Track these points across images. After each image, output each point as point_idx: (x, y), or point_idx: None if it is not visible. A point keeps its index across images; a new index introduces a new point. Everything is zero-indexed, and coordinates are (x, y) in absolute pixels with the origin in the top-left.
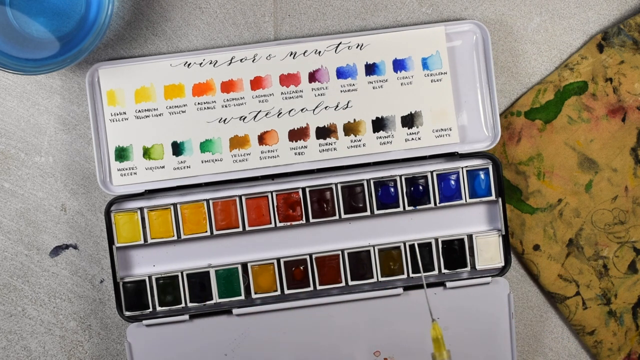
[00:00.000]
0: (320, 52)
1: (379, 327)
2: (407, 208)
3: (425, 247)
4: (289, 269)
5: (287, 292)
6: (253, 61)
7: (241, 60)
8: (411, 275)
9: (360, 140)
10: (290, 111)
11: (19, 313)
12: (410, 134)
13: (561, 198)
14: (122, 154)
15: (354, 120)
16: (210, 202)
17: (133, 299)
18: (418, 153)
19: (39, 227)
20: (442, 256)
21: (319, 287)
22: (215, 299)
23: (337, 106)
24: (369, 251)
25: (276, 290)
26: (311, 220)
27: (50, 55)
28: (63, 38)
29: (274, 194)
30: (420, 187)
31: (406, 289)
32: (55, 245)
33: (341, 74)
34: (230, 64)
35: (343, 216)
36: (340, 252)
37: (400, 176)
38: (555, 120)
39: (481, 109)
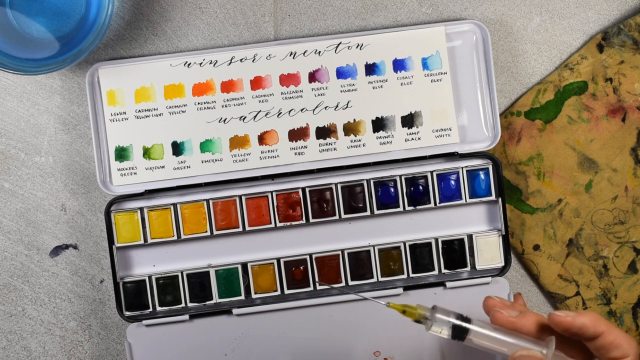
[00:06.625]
0: (320, 52)
1: (379, 327)
2: (407, 208)
3: (425, 247)
4: (289, 269)
5: (287, 292)
6: (253, 61)
7: (241, 60)
8: (411, 275)
9: (360, 140)
10: (290, 111)
11: (19, 313)
12: (410, 134)
13: (561, 198)
14: (122, 154)
15: (354, 120)
16: (210, 202)
17: (133, 299)
18: (418, 153)
19: (39, 227)
20: (442, 256)
21: (319, 287)
22: (215, 299)
23: (337, 106)
24: (369, 251)
25: (276, 290)
26: (311, 220)
27: (50, 55)
28: (63, 38)
29: (274, 194)
30: (420, 187)
31: (406, 289)
32: (55, 245)
33: (341, 74)
34: (230, 64)
35: (343, 216)
36: (340, 252)
37: (400, 176)
38: (555, 120)
39: (481, 109)
